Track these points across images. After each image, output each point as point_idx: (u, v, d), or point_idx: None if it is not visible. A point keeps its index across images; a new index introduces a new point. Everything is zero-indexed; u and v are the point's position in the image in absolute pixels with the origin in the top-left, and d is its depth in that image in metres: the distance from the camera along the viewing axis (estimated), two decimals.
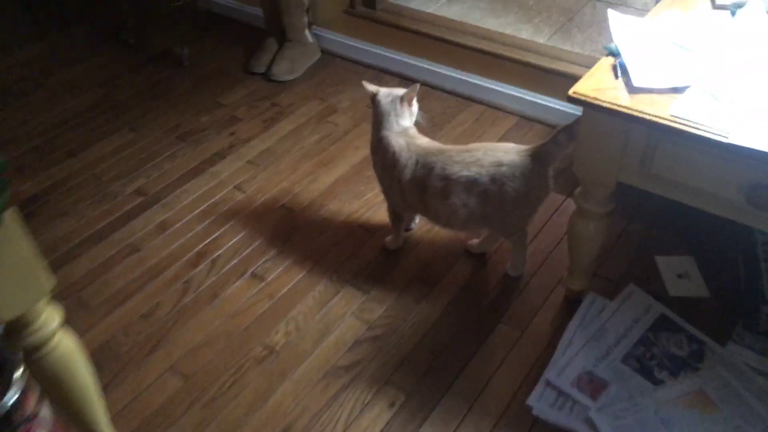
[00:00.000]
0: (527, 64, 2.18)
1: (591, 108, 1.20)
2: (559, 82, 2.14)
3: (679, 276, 1.64)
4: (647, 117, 1.14)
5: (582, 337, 1.47)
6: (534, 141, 2.25)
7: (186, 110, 2.49)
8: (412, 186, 1.58)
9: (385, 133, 1.61)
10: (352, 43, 2.66)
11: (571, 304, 1.60)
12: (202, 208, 2.01)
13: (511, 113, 2.31)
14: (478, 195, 1.50)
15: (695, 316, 1.54)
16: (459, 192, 1.50)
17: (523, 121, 2.28)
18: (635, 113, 1.16)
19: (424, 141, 1.61)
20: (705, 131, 1.10)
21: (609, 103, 1.18)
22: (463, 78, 2.38)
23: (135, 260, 1.84)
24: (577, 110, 2.07)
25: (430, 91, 2.46)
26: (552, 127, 2.23)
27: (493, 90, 2.32)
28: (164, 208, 2.02)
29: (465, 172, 1.49)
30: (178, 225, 1.96)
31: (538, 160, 1.47)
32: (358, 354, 1.54)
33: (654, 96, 1.19)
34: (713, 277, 1.65)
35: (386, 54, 2.56)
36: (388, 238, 1.81)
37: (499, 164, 1.47)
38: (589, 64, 2.09)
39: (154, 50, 2.88)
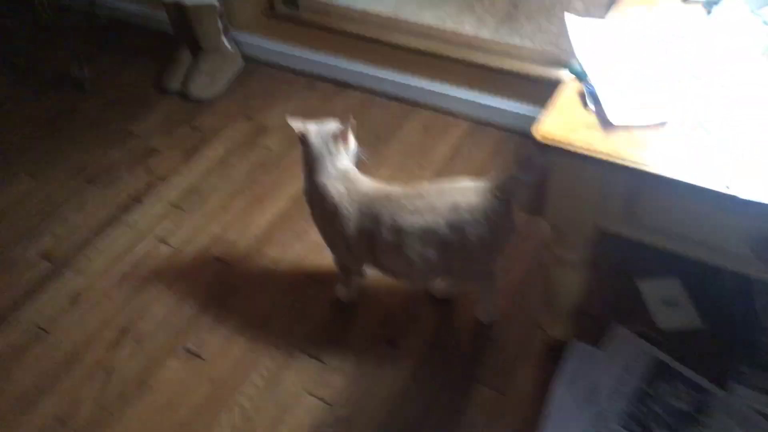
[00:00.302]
0: (474, 64, 1.99)
1: (564, 155, 1.03)
2: (510, 81, 1.98)
3: (667, 303, 1.52)
4: (630, 165, 0.98)
5: (571, 398, 1.33)
6: (490, 147, 2.10)
7: (92, 145, 2.22)
8: (358, 240, 1.39)
9: (321, 179, 1.41)
10: (277, 48, 2.42)
11: (554, 350, 1.46)
12: (120, 270, 1.78)
13: (462, 118, 2.13)
14: (436, 245, 1.32)
15: (691, 353, 1.42)
16: (414, 244, 1.33)
17: (476, 126, 2.11)
18: (616, 160, 0.99)
19: (366, 185, 1.41)
20: (700, 181, 0.94)
21: (584, 148, 1.02)
22: (405, 81, 2.18)
23: (45, 346, 1.61)
24: (533, 112, 1.94)
25: (370, 98, 2.26)
26: (507, 131, 2.07)
27: (439, 93, 2.13)
28: (76, 274, 1.78)
29: (419, 222, 1.31)
30: (93, 295, 1.72)
31: (500, 199, 1.30)
32: None
33: (635, 133, 1.03)
34: (703, 302, 1.53)
35: (317, 59, 2.33)
36: (339, 290, 1.62)
37: (457, 208, 1.30)
38: (540, 59, 1.94)
39: (49, 74, 2.57)
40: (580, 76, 1.16)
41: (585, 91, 1.13)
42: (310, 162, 1.42)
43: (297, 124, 1.41)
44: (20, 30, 2.71)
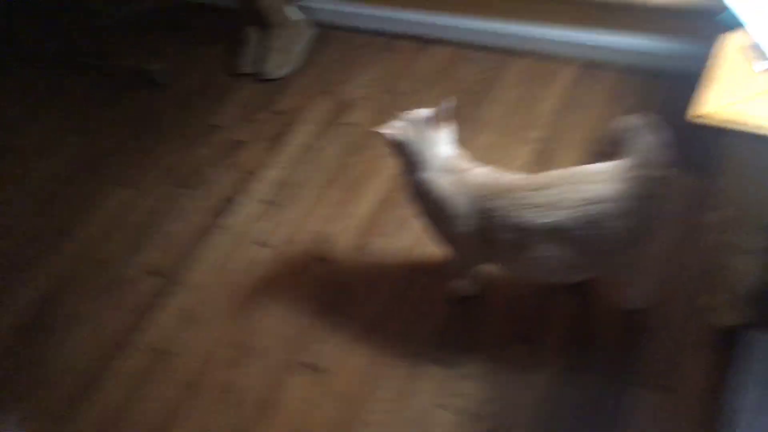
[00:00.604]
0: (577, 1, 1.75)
1: (736, 136, 0.84)
2: (625, 12, 1.72)
3: None
4: None
5: (759, 397, 1.16)
6: (606, 93, 1.85)
7: (177, 145, 2.18)
8: (473, 239, 1.26)
9: (423, 175, 1.27)
10: (348, 9, 2.25)
11: (725, 337, 1.28)
12: (225, 280, 1.75)
13: (569, 61, 1.90)
14: (567, 243, 1.17)
15: None
16: (539, 243, 1.18)
17: (586, 69, 1.88)
18: None
19: (478, 174, 1.27)
20: None
21: (761, 126, 0.82)
22: (498, 29, 1.96)
23: (169, 371, 1.62)
24: (656, 46, 1.66)
25: (458, 53, 2.06)
26: (625, 71, 1.82)
27: (539, 38, 1.91)
28: (184, 289, 1.77)
29: (544, 219, 1.16)
30: (203, 310, 1.71)
31: (646, 180, 1.11)
32: None
33: None
34: None
35: (393, 15, 2.15)
36: (457, 284, 1.51)
37: (590, 201, 1.13)
38: None
39: (123, 71, 2.53)
40: (737, 24, 0.94)
41: (751, 47, 0.91)
42: (408, 161, 1.28)
43: (388, 131, 1.27)
44: (83, 29, 2.68)
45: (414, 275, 1.60)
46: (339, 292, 1.63)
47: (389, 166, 1.84)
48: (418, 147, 1.27)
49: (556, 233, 1.16)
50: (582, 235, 1.15)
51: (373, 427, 1.38)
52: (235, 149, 2.09)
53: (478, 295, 1.50)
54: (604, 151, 1.12)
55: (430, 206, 1.29)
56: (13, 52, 2.71)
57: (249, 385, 1.53)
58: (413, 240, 1.66)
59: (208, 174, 2.05)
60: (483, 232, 1.24)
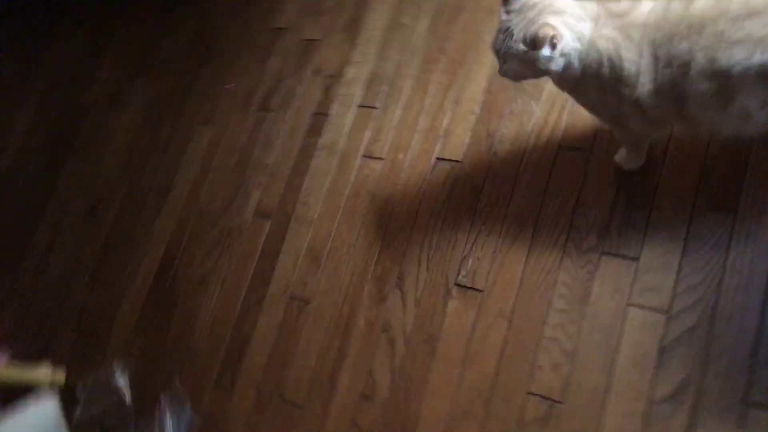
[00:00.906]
0: None
1: None
2: None
3: None
4: None
5: None
6: None
7: (248, 62, 1.96)
8: (657, 99, 0.98)
9: (588, 56, 0.99)
10: None
11: None
12: (342, 207, 1.58)
13: None
14: None
15: None
16: (751, 89, 0.88)
17: None
18: None
19: (648, 11, 0.96)
20: None
21: None
22: None
23: (311, 318, 1.51)
24: None
25: None
26: None
27: None
28: (301, 225, 1.62)
29: (757, 57, 0.85)
30: (329, 247, 1.56)
31: None
32: (677, 370, 1.09)
33: None
34: None
35: None
36: (621, 156, 1.23)
37: None
38: None
39: None
40: None
41: None
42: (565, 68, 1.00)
43: (550, 32, 0.97)
44: None
45: (559, 154, 1.34)
46: (472, 194, 1.41)
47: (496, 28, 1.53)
48: (569, 21, 0.98)
49: None
50: None
51: (558, 342, 1.20)
52: (310, 51, 1.84)
53: (649, 166, 1.22)
54: None
55: (602, 79, 0.99)
56: (55, 15, 2.53)
57: (400, 321, 1.39)
58: (547, 111, 1.39)
59: (288, 88, 1.83)
60: (671, 87, 0.95)
